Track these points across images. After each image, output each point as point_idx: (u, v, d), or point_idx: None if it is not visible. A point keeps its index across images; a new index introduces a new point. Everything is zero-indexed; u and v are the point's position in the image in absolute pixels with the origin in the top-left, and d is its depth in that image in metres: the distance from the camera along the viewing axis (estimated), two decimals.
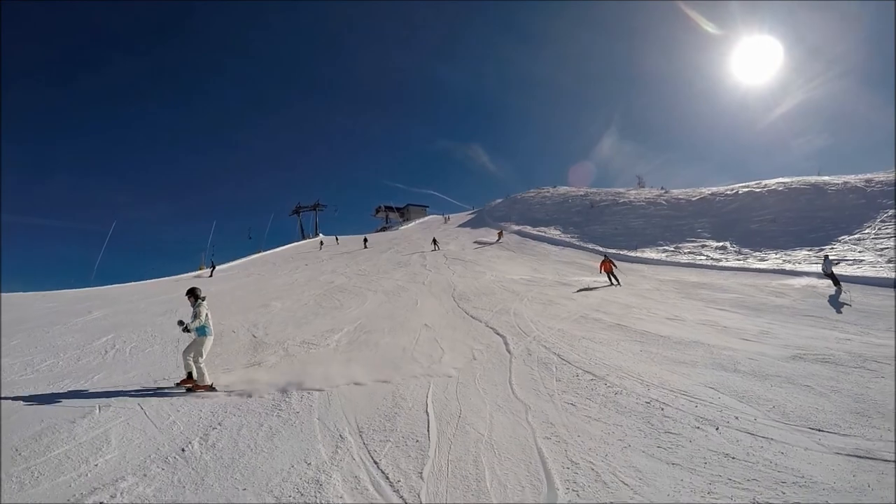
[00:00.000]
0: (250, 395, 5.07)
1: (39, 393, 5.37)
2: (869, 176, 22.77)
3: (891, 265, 13.21)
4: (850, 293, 10.16)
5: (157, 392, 5.33)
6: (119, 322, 10.41)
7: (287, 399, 4.93)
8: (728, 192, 26.63)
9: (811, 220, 19.93)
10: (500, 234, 28.58)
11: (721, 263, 16.80)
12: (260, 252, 36.29)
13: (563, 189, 42.18)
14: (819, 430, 3.79)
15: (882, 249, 15.04)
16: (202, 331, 5.41)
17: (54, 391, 5.45)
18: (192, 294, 5.67)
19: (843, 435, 3.70)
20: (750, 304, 9.84)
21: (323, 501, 2.98)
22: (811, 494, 2.89)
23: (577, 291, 12.22)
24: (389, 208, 64.45)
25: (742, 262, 16.71)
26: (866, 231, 17.18)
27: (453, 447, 3.71)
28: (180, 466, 3.50)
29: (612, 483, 3.09)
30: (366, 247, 30.55)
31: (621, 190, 35.38)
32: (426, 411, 4.47)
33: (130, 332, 9.07)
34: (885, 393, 4.51)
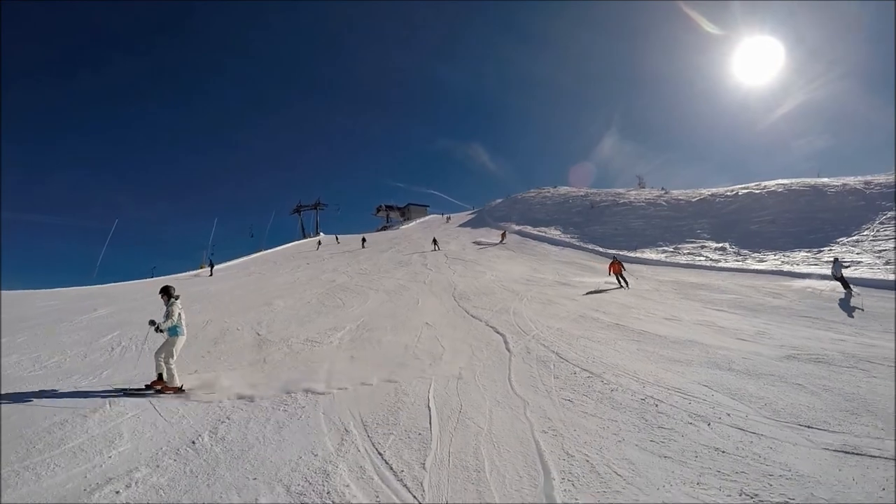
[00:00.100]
0: (252, 400, 4.97)
1: (49, 388, 5.48)
2: (868, 178, 22.85)
3: (888, 267, 13.30)
4: (861, 297, 9.85)
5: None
6: (124, 320, 10.56)
7: (293, 395, 5.06)
8: (728, 194, 26.71)
9: (810, 221, 20.02)
10: (504, 235, 27.93)
11: (720, 264, 16.89)
12: (261, 251, 36.48)
13: (563, 189, 42.32)
14: (808, 427, 3.90)
15: (880, 251, 15.14)
16: (174, 331, 5.34)
17: (64, 387, 5.56)
18: (166, 293, 5.56)
19: (832, 431, 3.81)
20: (747, 305, 9.94)
21: (330, 490, 3.12)
22: (797, 487, 3.01)
23: (586, 294, 11.86)
24: (390, 207, 64.67)
25: (741, 263, 16.81)
26: (864, 233, 17.28)
27: (454, 440, 3.85)
28: (192, 458, 3.65)
29: (605, 474, 3.23)
30: (364, 247, 30.39)
31: (621, 190, 35.49)
32: (428, 406, 4.61)
33: (136, 329, 9.19)
34: (876, 392, 4.61)
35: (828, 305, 9.66)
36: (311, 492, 3.12)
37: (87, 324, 10.45)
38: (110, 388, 5.42)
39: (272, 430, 4.16)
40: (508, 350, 6.69)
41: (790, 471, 3.20)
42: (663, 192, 31.84)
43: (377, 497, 3.06)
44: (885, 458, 3.30)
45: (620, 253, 18.78)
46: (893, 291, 10.29)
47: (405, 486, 3.16)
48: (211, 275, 24.74)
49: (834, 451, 3.48)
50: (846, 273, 11.16)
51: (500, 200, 46.85)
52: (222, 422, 4.36)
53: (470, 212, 50.68)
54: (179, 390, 5.20)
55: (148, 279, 24.89)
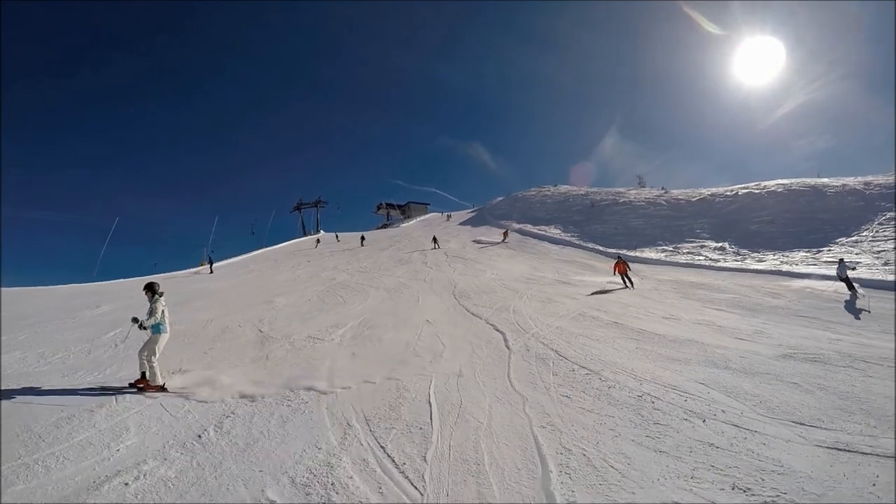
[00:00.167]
0: (253, 400, 4.93)
1: (55, 384, 5.54)
2: (868, 178, 22.93)
3: (887, 267, 13.37)
4: (868, 298, 9.72)
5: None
6: (126, 317, 10.56)
7: (296, 391, 5.14)
8: (728, 193, 26.79)
9: (810, 221, 20.09)
10: (506, 234, 27.83)
11: (719, 264, 16.96)
12: (263, 249, 36.58)
13: (563, 188, 42.40)
14: (801, 424, 3.97)
15: (878, 252, 15.21)
16: (157, 328, 5.26)
17: (69, 382, 5.62)
18: (150, 289, 5.43)
19: (825, 429, 3.88)
20: (746, 305, 10.00)
21: (334, 481, 3.21)
22: (789, 481, 3.09)
23: (591, 295, 11.62)
24: (391, 205, 64.84)
25: (740, 262, 16.88)
26: (864, 233, 17.35)
27: (455, 434, 3.94)
28: (198, 451, 3.73)
29: (601, 467, 3.32)
30: (363, 245, 30.34)
31: (622, 190, 35.57)
32: (429, 402, 4.69)
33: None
34: (870, 391, 4.68)
35: (826, 306, 9.70)
36: (316, 483, 3.20)
37: (90, 320, 10.53)
38: (116, 385, 5.48)
39: (276, 424, 4.24)
40: (508, 347, 6.77)
41: (782, 466, 3.28)
42: (663, 191, 31.93)
43: (380, 488, 3.14)
44: (877, 455, 3.38)
45: (620, 252, 18.85)
46: (892, 292, 10.36)
47: (407, 477, 3.25)
48: (211, 272, 24.81)
49: (826, 447, 3.55)
50: (851, 274, 10.99)
51: (500, 199, 46.96)
52: (227, 416, 4.44)
53: (470, 210, 50.77)
54: (162, 389, 5.16)
55: (149, 276, 25.01)
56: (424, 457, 3.54)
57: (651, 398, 4.64)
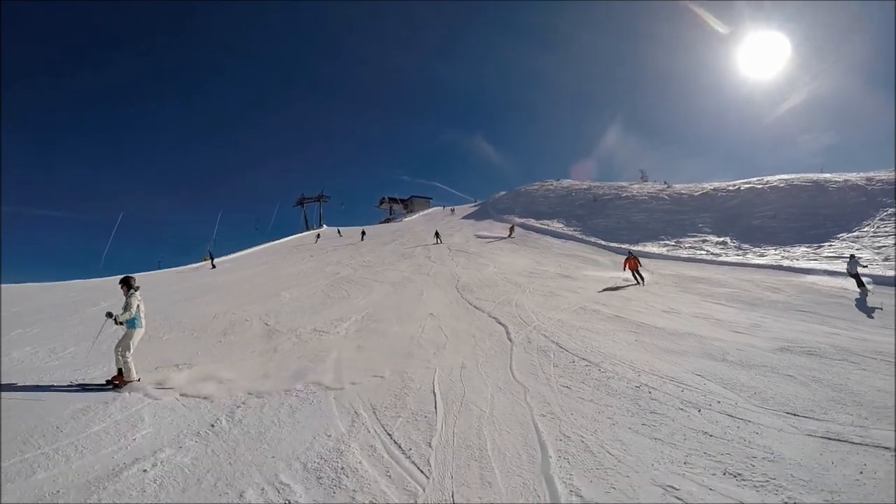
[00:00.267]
0: (262, 391, 5.02)
1: (68, 378, 5.58)
2: (870, 174, 22.83)
3: (888, 263, 13.42)
4: (876, 294, 9.62)
5: None
6: None
7: (304, 382, 5.28)
8: (730, 188, 26.71)
9: (812, 216, 20.07)
10: (512, 230, 27.03)
11: (721, 258, 17.01)
12: (264, 244, 36.80)
13: (566, 182, 42.23)
14: (794, 415, 4.09)
15: (879, 248, 15.24)
16: (132, 323, 5.20)
17: (82, 376, 5.66)
18: (126, 283, 5.35)
19: (817, 419, 3.99)
20: (745, 299, 10.07)
21: (344, 466, 3.38)
22: (778, 468, 3.22)
23: (601, 292, 11.32)
24: (393, 200, 64.78)
25: (741, 257, 16.94)
26: (865, 229, 17.36)
27: (458, 422, 4.10)
28: (212, 439, 3.88)
29: (599, 453, 3.47)
30: (363, 240, 30.33)
31: (624, 184, 35.44)
32: (433, 392, 4.85)
33: (147, 320, 9.43)
34: (864, 384, 4.77)
35: (825, 301, 9.72)
36: (327, 468, 3.36)
37: (98, 315, 10.70)
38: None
39: (286, 413, 4.40)
40: (510, 340, 6.91)
41: (773, 454, 3.40)
42: (666, 185, 31.82)
43: (388, 472, 3.30)
44: (866, 445, 3.47)
45: (622, 246, 18.90)
46: (892, 287, 10.41)
47: (413, 462, 3.41)
48: (213, 267, 25.06)
49: (817, 437, 3.66)
50: (861, 271, 10.69)
51: (503, 193, 46.85)
52: (238, 407, 4.59)
53: (473, 204, 50.70)
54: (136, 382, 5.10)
55: (154, 271, 25.27)
56: (430, 443, 3.70)
57: (648, 388, 4.78)
